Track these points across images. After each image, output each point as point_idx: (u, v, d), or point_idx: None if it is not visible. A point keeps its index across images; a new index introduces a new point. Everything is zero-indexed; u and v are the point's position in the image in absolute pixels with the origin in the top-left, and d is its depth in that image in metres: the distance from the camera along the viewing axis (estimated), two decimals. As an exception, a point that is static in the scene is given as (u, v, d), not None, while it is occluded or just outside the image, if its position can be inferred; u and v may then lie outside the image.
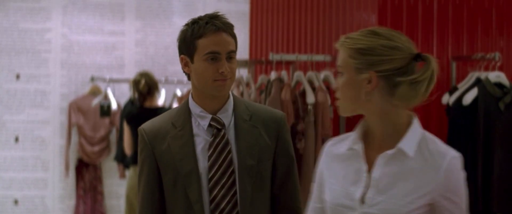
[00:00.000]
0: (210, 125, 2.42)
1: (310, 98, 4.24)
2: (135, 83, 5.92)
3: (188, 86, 6.55)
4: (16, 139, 6.94)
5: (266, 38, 5.65)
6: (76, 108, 6.91)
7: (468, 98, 4.07)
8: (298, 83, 4.40)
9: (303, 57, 4.53)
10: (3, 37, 6.88)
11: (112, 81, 6.91)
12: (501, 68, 4.20)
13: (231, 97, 2.48)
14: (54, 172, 6.99)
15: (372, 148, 2.02)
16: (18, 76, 6.93)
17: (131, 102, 6.17)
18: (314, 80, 4.34)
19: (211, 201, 2.39)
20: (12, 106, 6.93)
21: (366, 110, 2.01)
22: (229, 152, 2.40)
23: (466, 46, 4.45)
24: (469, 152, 4.01)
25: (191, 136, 2.42)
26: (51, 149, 6.98)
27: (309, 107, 4.24)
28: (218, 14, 2.42)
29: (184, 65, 2.43)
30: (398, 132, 1.98)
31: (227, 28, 2.39)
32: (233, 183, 2.40)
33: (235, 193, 2.39)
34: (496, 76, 4.06)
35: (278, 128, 2.48)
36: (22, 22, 6.91)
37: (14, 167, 6.93)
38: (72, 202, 6.99)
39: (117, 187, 7.04)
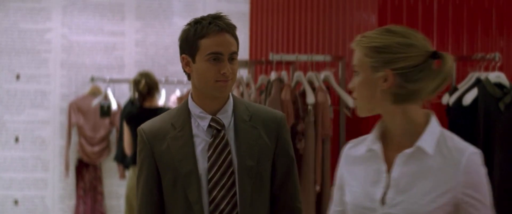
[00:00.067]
0: (209, 126, 2.41)
1: (310, 98, 4.23)
2: (135, 84, 5.91)
3: (188, 87, 6.55)
4: (16, 139, 6.94)
5: (266, 38, 5.65)
6: (76, 108, 6.91)
7: (468, 99, 4.07)
8: (298, 83, 4.40)
9: (303, 57, 4.53)
10: (3, 37, 6.88)
11: (112, 81, 6.91)
12: (501, 69, 4.20)
13: (231, 98, 2.47)
14: (54, 172, 6.99)
15: (391, 148, 2.00)
16: (18, 77, 6.93)
17: (131, 102, 6.17)
18: (314, 81, 4.34)
19: (210, 202, 2.38)
20: (12, 106, 6.93)
21: (382, 109, 1.99)
22: (229, 152, 2.40)
23: (466, 46, 4.45)
24: (469, 152, 4.00)
25: (191, 136, 2.41)
26: (51, 149, 6.98)
27: (309, 107, 4.24)
28: (221, 14, 2.41)
29: (185, 65, 2.42)
30: (416, 131, 1.96)
31: (230, 29, 2.39)
32: (233, 184, 2.39)
33: (234, 194, 2.39)
34: (496, 76, 4.06)
35: (278, 129, 2.47)
36: (22, 22, 6.91)
37: (14, 167, 6.93)
38: (72, 202, 6.99)
39: (117, 187, 7.04)
